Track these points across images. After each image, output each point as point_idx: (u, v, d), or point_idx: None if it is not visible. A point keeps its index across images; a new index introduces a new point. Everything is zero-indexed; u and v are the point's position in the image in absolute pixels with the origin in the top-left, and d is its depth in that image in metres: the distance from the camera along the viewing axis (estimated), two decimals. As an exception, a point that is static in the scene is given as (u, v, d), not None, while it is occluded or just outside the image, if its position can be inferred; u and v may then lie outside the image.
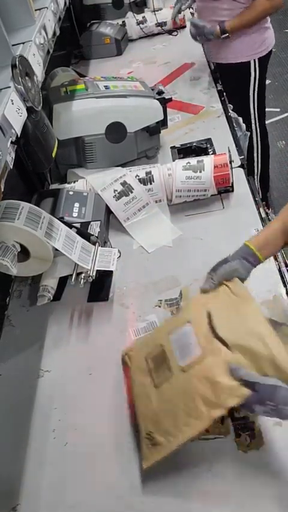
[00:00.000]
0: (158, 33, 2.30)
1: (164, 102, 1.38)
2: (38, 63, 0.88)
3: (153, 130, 1.39)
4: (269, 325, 0.74)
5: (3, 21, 0.73)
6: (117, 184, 1.25)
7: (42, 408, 0.92)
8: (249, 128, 1.89)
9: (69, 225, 1.06)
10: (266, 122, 2.01)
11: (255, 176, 2.10)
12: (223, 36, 1.66)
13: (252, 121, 1.91)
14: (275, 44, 1.78)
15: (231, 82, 1.77)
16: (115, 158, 1.37)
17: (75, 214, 1.15)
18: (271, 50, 1.77)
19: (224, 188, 1.24)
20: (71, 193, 1.20)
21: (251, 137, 1.92)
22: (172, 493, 0.76)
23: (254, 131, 1.94)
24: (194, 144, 1.44)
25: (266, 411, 0.67)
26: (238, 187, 1.25)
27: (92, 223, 1.12)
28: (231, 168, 1.20)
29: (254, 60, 1.74)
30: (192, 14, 2.18)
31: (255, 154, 2.02)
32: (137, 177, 1.25)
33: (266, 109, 1.97)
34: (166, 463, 0.77)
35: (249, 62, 1.75)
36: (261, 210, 1.19)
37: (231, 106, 1.66)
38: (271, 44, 1.76)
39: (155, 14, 2.24)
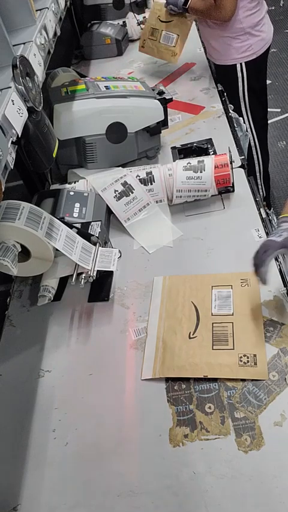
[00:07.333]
0: (159, 34, 2.30)
1: (165, 102, 1.38)
2: (39, 63, 0.88)
3: (154, 130, 1.39)
4: None
5: (4, 21, 0.73)
6: (118, 184, 1.25)
7: (43, 408, 0.92)
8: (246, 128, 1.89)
9: (70, 225, 1.06)
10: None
11: (258, 174, 2.10)
12: (184, 10, 1.65)
13: (246, 123, 1.92)
14: (275, 44, 1.78)
15: (223, 82, 1.79)
16: (116, 159, 1.37)
17: (75, 215, 1.15)
18: (262, 57, 1.76)
19: (225, 189, 1.24)
20: (71, 193, 1.20)
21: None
22: (172, 493, 0.76)
23: (249, 132, 1.95)
24: (195, 144, 1.44)
25: None
26: (239, 187, 1.25)
27: (92, 223, 1.12)
28: (232, 168, 1.20)
29: (241, 64, 1.75)
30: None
31: (254, 153, 2.02)
32: (138, 177, 1.25)
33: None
34: (166, 462, 0.77)
35: (235, 65, 1.75)
36: (262, 210, 1.19)
37: (232, 106, 1.66)
38: (258, 51, 1.74)
39: (155, 14, 2.24)
